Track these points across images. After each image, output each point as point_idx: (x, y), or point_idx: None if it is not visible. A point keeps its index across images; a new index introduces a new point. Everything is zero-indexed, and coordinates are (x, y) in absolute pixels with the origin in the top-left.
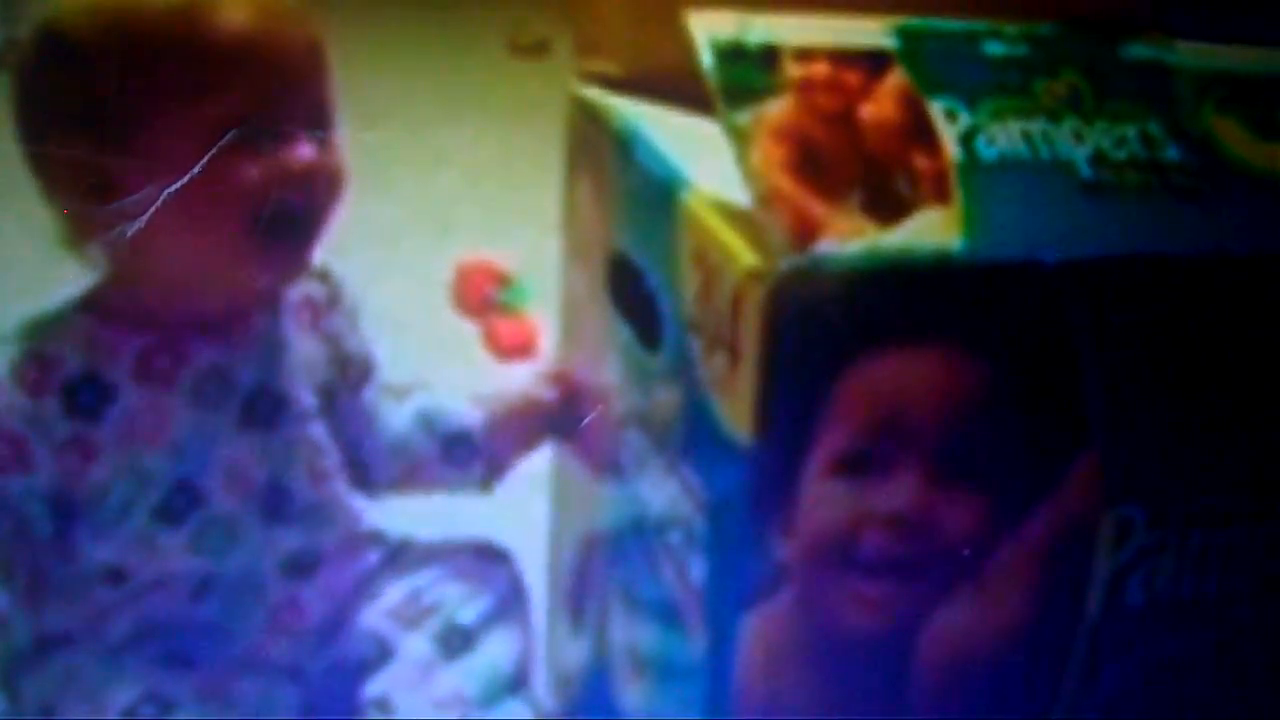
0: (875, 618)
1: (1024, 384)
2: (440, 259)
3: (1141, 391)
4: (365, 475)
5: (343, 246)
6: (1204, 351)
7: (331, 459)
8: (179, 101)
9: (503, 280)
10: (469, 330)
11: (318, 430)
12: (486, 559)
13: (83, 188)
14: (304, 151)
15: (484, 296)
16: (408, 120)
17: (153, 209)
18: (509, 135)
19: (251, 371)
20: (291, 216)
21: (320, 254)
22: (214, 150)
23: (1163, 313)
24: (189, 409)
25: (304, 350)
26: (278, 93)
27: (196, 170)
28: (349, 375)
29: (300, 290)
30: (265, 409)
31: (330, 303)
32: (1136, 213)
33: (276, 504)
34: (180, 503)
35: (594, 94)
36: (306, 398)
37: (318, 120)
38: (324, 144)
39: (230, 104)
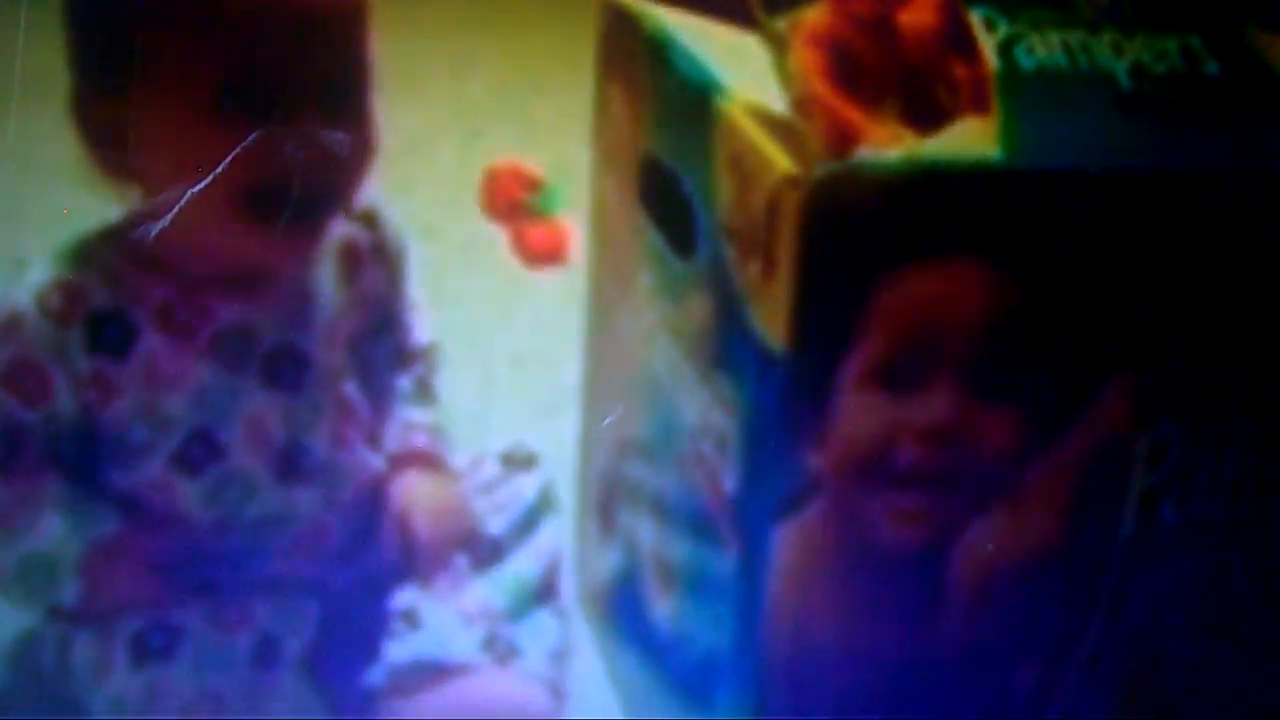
0: (909, 531)
1: (1061, 298)
2: (470, 164)
3: (1179, 309)
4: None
5: (381, 139)
6: (1243, 269)
7: (358, 421)
8: (185, 52)
9: (533, 185)
10: (499, 235)
11: (348, 390)
12: (516, 467)
13: (101, 121)
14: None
15: (514, 201)
16: (435, 25)
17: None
18: (539, 39)
19: (275, 331)
20: (288, 197)
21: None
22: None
23: (1202, 229)
24: (209, 363)
25: (336, 303)
26: (302, 55)
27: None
28: (376, 326)
29: (342, 235)
30: (288, 370)
31: (373, 251)
32: (1176, 126)
33: (295, 464)
34: (198, 453)
35: None
36: (334, 357)
37: (347, 87)
38: (347, 117)
39: (237, 63)
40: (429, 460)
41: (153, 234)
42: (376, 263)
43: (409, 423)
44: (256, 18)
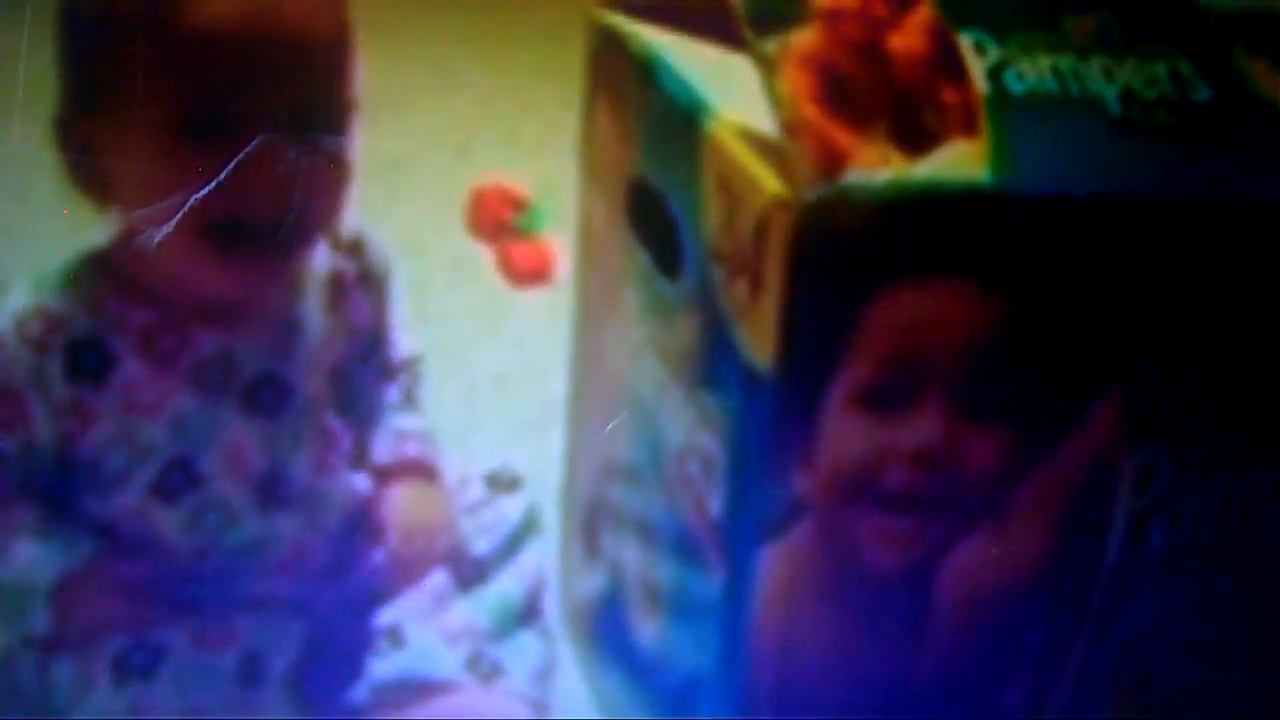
0: (895, 553)
1: (1049, 321)
2: (457, 182)
3: (1167, 332)
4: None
5: (357, 171)
6: (1232, 294)
7: (340, 451)
8: (156, 81)
9: (519, 204)
10: (484, 254)
11: (329, 420)
12: (500, 489)
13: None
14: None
15: (499, 220)
16: (422, 43)
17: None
18: (526, 58)
19: (257, 359)
20: (251, 229)
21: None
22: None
23: (1191, 254)
24: (189, 391)
25: (320, 333)
26: (279, 80)
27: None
28: (361, 353)
29: (328, 264)
30: (269, 397)
31: (359, 280)
32: (1166, 152)
33: (276, 492)
34: (176, 480)
35: (615, 18)
36: (316, 385)
37: (326, 113)
38: (316, 148)
39: (210, 88)
40: (421, 469)
41: (135, 260)
42: (362, 290)
43: (400, 432)
44: (234, 42)
